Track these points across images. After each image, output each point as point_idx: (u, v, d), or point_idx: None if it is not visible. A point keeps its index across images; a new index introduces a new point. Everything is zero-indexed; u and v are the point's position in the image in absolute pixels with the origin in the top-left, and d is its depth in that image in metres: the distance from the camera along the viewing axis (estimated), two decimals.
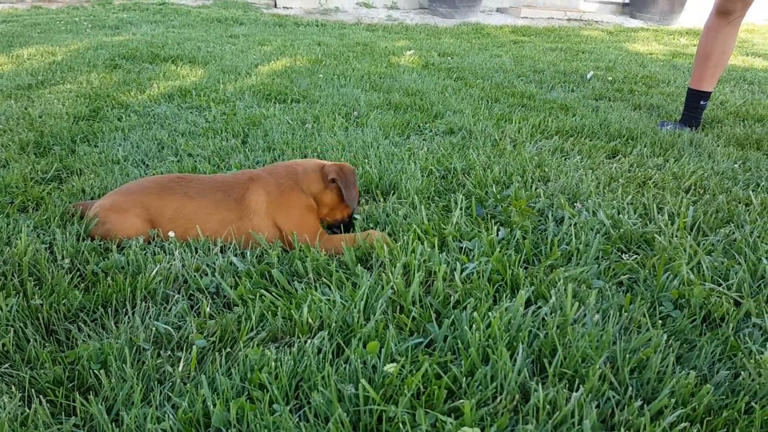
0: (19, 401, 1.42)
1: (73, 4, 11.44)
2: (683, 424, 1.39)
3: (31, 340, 1.67)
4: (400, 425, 1.32)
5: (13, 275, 1.97)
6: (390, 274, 1.96)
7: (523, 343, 1.61)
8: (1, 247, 2.14)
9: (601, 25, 12.50)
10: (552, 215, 2.51)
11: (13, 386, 1.47)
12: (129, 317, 1.79)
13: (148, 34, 8.13)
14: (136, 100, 4.55)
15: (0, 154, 3.22)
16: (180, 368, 1.55)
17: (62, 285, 1.90)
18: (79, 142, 3.51)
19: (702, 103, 4.18)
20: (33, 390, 1.47)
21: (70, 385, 1.50)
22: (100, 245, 2.19)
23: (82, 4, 11.49)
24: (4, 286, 1.91)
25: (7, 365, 1.57)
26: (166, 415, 1.38)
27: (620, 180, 2.99)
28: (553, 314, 1.78)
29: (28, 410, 1.39)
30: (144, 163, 3.18)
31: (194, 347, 1.61)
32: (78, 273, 2.03)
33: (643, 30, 11.79)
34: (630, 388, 1.51)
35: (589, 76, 6.18)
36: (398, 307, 1.85)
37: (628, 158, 3.41)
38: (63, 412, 1.43)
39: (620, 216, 2.49)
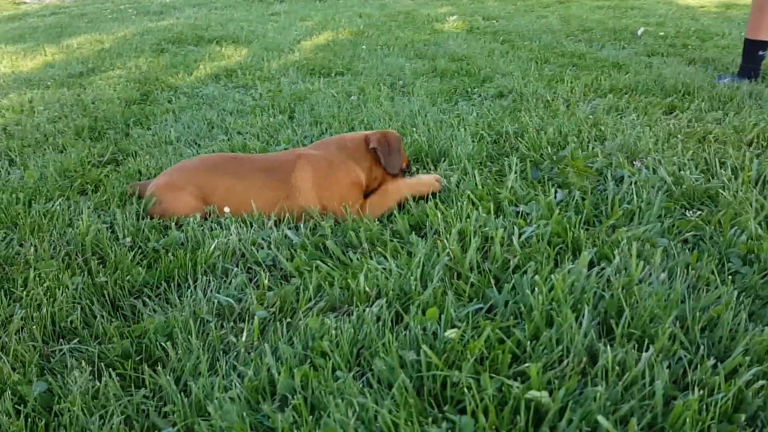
0: (90, 375, 1.46)
1: None
2: (761, 382, 1.33)
3: (98, 316, 1.71)
4: (465, 390, 1.30)
5: (77, 255, 2.02)
6: (446, 241, 1.93)
7: (588, 305, 1.56)
8: (65, 228, 2.20)
9: None
10: (611, 174, 2.43)
11: (83, 361, 1.51)
12: (191, 291, 1.81)
13: (192, 17, 8.21)
14: (184, 82, 4.60)
15: (57, 139, 3.31)
16: (243, 338, 1.56)
17: (125, 262, 1.94)
18: (132, 125, 3.57)
19: (760, 53, 3.96)
20: (102, 364, 1.51)
21: (138, 358, 1.54)
22: (159, 223, 2.23)
23: None
24: (69, 265, 1.96)
25: (76, 341, 1.62)
26: (233, 384, 1.40)
27: (679, 136, 2.87)
28: (617, 275, 1.72)
29: (98, 383, 1.43)
30: (196, 143, 3.22)
31: (255, 318, 1.63)
32: (140, 250, 2.07)
33: None
34: (701, 347, 1.45)
35: (640, 32, 5.96)
36: (455, 273, 1.83)
37: (686, 114, 3.27)
38: (132, 384, 1.46)
39: (681, 172, 2.39)
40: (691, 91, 3.74)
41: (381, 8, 8.57)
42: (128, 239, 2.10)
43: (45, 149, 3.15)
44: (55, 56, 5.89)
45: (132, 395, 1.41)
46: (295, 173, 2.29)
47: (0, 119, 3.78)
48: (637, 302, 1.59)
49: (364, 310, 1.64)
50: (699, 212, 2.13)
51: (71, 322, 1.67)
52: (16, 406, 1.37)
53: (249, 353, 1.52)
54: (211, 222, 2.23)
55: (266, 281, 1.84)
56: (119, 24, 8.02)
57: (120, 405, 1.36)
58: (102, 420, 1.33)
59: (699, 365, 1.39)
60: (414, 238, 2.00)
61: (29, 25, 8.44)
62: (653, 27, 6.32)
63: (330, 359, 1.43)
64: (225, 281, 1.88)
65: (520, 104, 3.60)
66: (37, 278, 1.86)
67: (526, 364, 1.37)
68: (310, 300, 1.74)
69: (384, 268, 1.83)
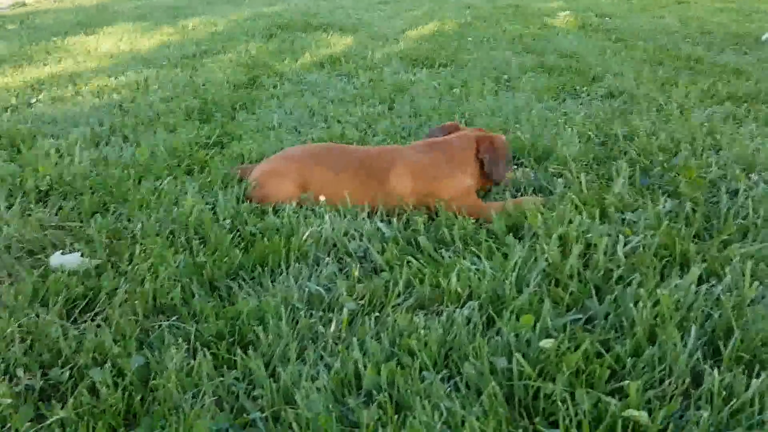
0: (185, 353, 1.51)
1: None
2: None
3: (197, 295, 1.76)
4: (559, 403, 1.24)
5: (180, 233, 2.10)
6: (545, 245, 1.85)
7: (695, 323, 1.46)
8: (170, 206, 2.28)
9: None
10: (725, 187, 2.26)
11: (180, 338, 1.56)
12: (284, 277, 1.84)
13: (302, 3, 8.38)
14: (289, 68, 4.69)
15: (168, 119, 3.45)
16: (332, 329, 1.56)
17: (224, 244, 1.99)
18: (239, 109, 3.68)
19: None
20: (198, 343, 1.55)
21: (231, 339, 1.57)
22: (257, 207, 2.28)
23: None
24: (173, 243, 2.03)
25: (174, 318, 1.67)
26: (320, 374, 1.40)
27: None
28: (728, 293, 1.60)
29: (193, 362, 1.47)
30: (296, 130, 3.27)
31: (345, 309, 1.63)
32: (238, 233, 2.12)
33: None
34: None
35: (765, 38, 5.54)
36: (553, 280, 1.75)
37: None
38: (225, 366, 1.49)
39: None
40: None
41: (490, 0, 8.42)
42: (228, 221, 2.15)
43: (156, 128, 3.30)
44: (172, 36, 6.16)
45: (223, 376, 1.44)
46: (391, 180, 2.27)
47: (117, 95, 3.99)
48: (749, 324, 1.47)
49: (454, 311, 1.60)
50: None
51: (171, 298, 1.73)
52: (114, 378, 1.43)
53: (336, 344, 1.52)
54: (306, 210, 2.25)
55: (356, 273, 1.83)
56: (234, 7, 8.31)
57: (212, 385, 1.40)
58: (194, 399, 1.37)
59: None
60: (510, 239, 1.94)
61: (150, 4, 8.90)
62: None
63: (418, 358, 1.40)
64: (316, 270, 1.90)
65: (631, 106, 3.43)
66: (142, 254, 1.94)
67: (625, 381, 1.29)
68: (399, 295, 1.72)
69: (477, 269, 1.78)
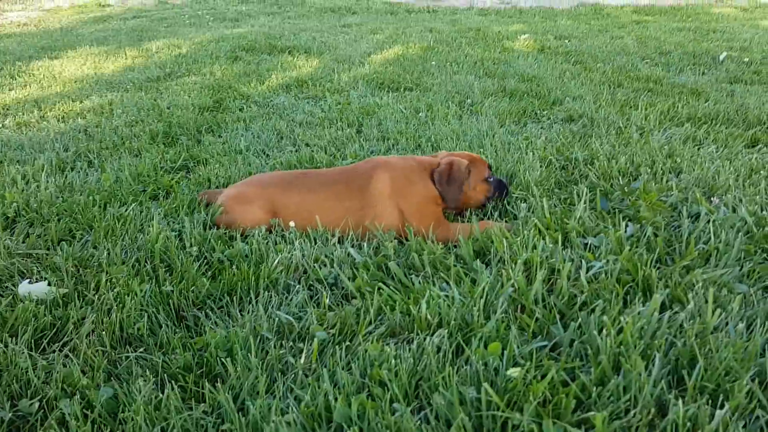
0: (153, 385, 1.49)
1: None
2: None
3: (163, 325, 1.74)
4: None
5: (146, 261, 2.08)
6: (510, 271, 1.89)
7: (658, 352, 1.50)
8: (136, 233, 2.26)
9: (734, 1, 11.57)
10: (686, 211, 2.32)
11: (147, 370, 1.54)
12: (252, 306, 1.83)
13: (266, 25, 8.39)
14: (256, 90, 4.69)
15: (133, 143, 3.42)
16: (302, 360, 1.56)
17: (191, 272, 1.98)
18: (204, 133, 3.66)
19: None
20: (165, 375, 1.53)
21: (199, 371, 1.56)
22: (225, 233, 2.27)
23: None
24: (139, 271, 2.01)
25: (142, 349, 1.65)
26: (290, 408, 1.40)
27: (762, 172, 2.73)
28: (691, 321, 1.64)
29: (161, 395, 1.45)
30: (264, 153, 3.27)
31: (315, 340, 1.63)
32: (205, 260, 2.11)
33: None
34: None
35: (722, 57, 5.73)
36: (519, 306, 1.78)
37: None
38: (193, 398, 1.48)
39: (764, 212, 2.27)
40: None
41: (452, 24, 8.56)
42: (195, 248, 2.14)
43: (121, 152, 3.27)
44: (135, 60, 6.11)
45: (192, 410, 1.43)
46: (373, 182, 2.32)
47: (82, 120, 3.94)
48: (712, 353, 1.51)
49: (424, 339, 1.62)
50: None
51: (138, 329, 1.71)
52: (84, 410, 1.41)
53: (307, 376, 1.52)
54: (276, 236, 2.25)
55: (327, 300, 1.84)
56: (197, 29, 8.27)
57: (180, 419, 1.38)
58: None
59: None
60: (478, 265, 1.97)
61: (113, 27, 8.81)
62: (737, 52, 6.08)
63: (389, 390, 1.41)
64: (286, 297, 1.89)
65: (591, 130, 3.51)
66: (109, 283, 1.91)
67: (591, 413, 1.32)
68: (370, 323, 1.73)
69: (446, 295, 1.80)
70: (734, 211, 2.32)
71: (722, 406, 1.34)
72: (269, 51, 6.39)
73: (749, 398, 1.38)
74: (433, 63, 5.62)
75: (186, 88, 4.79)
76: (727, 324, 1.64)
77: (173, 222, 2.38)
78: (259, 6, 10.64)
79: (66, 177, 2.87)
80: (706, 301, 1.68)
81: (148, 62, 5.96)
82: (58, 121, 3.96)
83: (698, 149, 3.12)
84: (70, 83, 5.11)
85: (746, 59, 5.66)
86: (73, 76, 5.35)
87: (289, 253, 2.10)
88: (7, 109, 4.30)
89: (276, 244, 2.18)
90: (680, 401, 1.33)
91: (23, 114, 4.11)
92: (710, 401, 1.38)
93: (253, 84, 4.89)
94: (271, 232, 2.29)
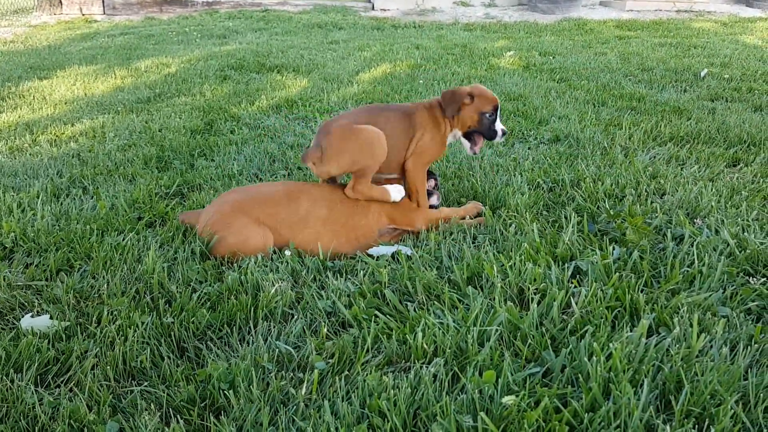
0: (158, 420, 1.53)
1: (182, 14, 12.06)
2: None
3: (166, 357, 1.78)
4: None
5: (145, 293, 2.11)
6: (502, 297, 1.95)
7: (647, 377, 1.56)
8: (134, 264, 2.30)
9: (714, 15, 11.81)
10: (671, 233, 2.40)
11: (152, 403, 1.58)
12: (252, 336, 1.88)
13: (254, 42, 8.44)
14: (246, 112, 4.74)
15: (127, 168, 3.46)
16: (303, 391, 1.61)
17: (190, 303, 2.02)
18: (197, 156, 3.70)
19: None
20: (170, 408, 1.57)
21: (203, 404, 1.60)
22: (221, 262, 2.31)
23: (191, 14, 12.09)
24: (139, 303, 2.05)
25: (146, 383, 1.69)
26: None
27: (743, 192, 2.82)
28: (677, 345, 1.71)
29: (167, 429, 1.49)
30: (258, 177, 3.31)
31: (315, 371, 1.67)
32: (203, 291, 2.14)
33: (761, 20, 11.02)
34: (765, 430, 1.43)
35: (703, 74, 5.86)
36: (512, 332, 1.84)
37: (751, 167, 3.22)
38: None
39: (745, 234, 2.35)
40: (757, 141, 3.67)
41: (438, 40, 8.66)
42: (192, 277, 2.18)
43: (115, 178, 3.30)
44: (125, 80, 6.14)
45: None
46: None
47: (74, 144, 3.97)
48: (698, 377, 1.58)
49: (421, 367, 1.67)
50: (764, 279, 2.10)
51: (140, 362, 1.75)
52: None
53: (308, 407, 1.57)
54: (273, 263, 2.30)
55: (325, 330, 1.88)
56: (184, 47, 8.31)
57: None
58: None
59: None
60: (471, 290, 2.03)
61: (100, 45, 8.82)
62: (717, 68, 6.21)
63: (388, 421, 1.46)
64: (285, 327, 1.94)
65: (577, 150, 3.59)
66: (110, 315, 1.95)
67: None
68: (368, 352, 1.78)
69: (441, 323, 1.86)
70: (717, 233, 2.39)
71: (708, 430, 1.40)
72: (258, 69, 6.44)
73: (734, 421, 1.45)
74: (421, 81, 5.70)
75: (177, 109, 4.83)
76: (711, 347, 1.71)
77: (169, 250, 2.41)
78: (246, 22, 10.69)
79: (62, 204, 2.90)
80: (691, 325, 1.74)
81: (138, 82, 6.00)
82: (51, 145, 3.99)
83: (681, 169, 3.21)
84: (61, 105, 5.13)
85: (726, 76, 5.79)
86: (63, 98, 5.37)
87: (286, 281, 2.15)
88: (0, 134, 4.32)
89: (272, 272, 2.23)
90: (668, 426, 1.39)
91: (15, 138, 4.13)
92: (696, 425, 1.44)
93: (243, 105, 4.94)
94: (271, 259, 2.34)
